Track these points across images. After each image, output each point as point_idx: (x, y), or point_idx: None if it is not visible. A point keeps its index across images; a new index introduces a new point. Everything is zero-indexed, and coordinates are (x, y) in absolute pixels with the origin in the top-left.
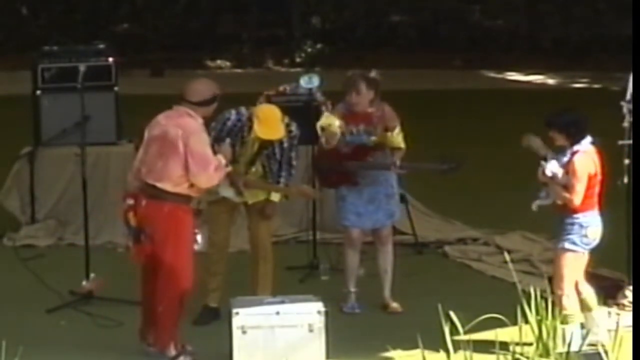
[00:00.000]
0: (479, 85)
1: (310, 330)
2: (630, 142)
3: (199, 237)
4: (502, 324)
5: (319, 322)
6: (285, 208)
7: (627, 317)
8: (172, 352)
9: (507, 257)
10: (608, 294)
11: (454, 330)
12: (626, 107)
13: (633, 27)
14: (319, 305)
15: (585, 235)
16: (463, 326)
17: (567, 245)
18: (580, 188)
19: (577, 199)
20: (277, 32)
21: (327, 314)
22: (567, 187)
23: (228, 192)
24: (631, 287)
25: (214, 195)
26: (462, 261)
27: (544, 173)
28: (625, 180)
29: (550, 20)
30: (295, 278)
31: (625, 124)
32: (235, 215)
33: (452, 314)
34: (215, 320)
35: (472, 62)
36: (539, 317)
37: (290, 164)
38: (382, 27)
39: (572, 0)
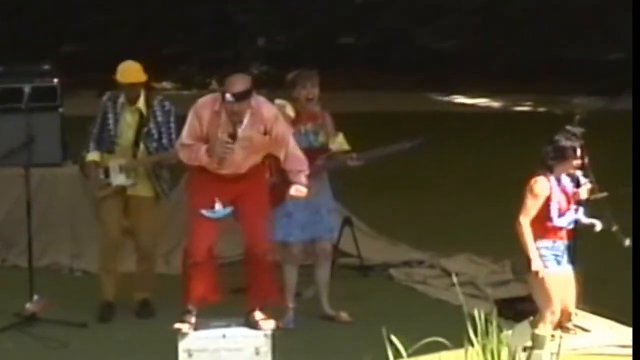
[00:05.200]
0: (426, 108)
1: (257, 353)
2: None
3: (217, 205)
4: (446, 348)
5: (265, 344)
6: (229, 228)
7: (571, 340)
8: (184, 308)
9: (454, 279)
10: None
11: (398, 354)
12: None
13: (633, 27)
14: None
15: None
16: (407, 349)
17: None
18: None
19: None
20: (225, 53)
21: (273, 336)
22: None
23: (120, 179)
24: (575, 310)
25: (105, 190)
26: (407, 284)
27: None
28: None
29: (499, 43)
30: (241, 301)
31: None
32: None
33: (396, 337)
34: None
35: (420, 84)
36: (483, 341)
37: (170, 140)
38: (331, 49)
39: (520, 22)
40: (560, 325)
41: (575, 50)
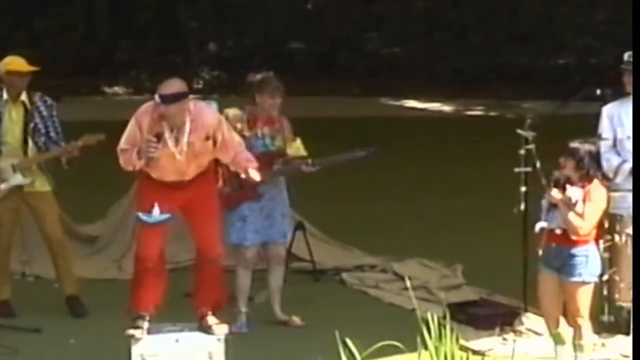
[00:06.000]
0: (376, 113)
1: (210, 358)
2: (528, 169)
3: (155, 210)
4: (399, 351)
5: (219, 349)
6: (182, 233)
7: (523, 343)
8: (134, 314)
9: (408, 283)
10: (504, 321)
11: (351, 357)
12: (524, 134)
13: (633, 28)
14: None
15: (596, 266)
16: (360, 353)
17: (587, 278)
18: (594, 217)
19: (587, 226)
20: (174, 58)
21: (226, 341)
22: (581, 214)
23: (17, 179)
24: (527, 314)
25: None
26: (359, 288)
27: (564, 197)
28: (522, 207)
29: (447, 49)
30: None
31: (522, 151)
32: (21, 214)
33: (349, 341)
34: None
35: (370, 89)
36: (437, 344)
37: (57, 133)
38: (280, 55)
39: (468, 28)
40: (513, 330)
41: (524, 56)
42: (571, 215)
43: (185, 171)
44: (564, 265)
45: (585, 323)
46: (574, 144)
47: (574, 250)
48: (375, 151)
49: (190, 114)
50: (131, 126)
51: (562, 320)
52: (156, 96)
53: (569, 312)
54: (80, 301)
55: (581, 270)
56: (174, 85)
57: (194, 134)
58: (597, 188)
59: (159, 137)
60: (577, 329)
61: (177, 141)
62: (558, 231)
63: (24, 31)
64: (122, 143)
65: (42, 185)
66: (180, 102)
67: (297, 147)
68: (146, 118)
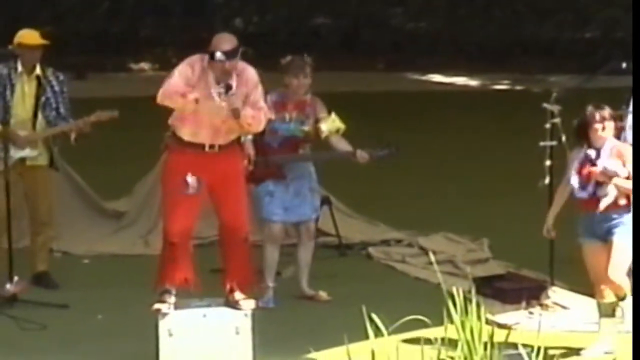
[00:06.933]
0: (402, 88)
1: (237, 333)
2: (554, 143)
3: (189, 180)
4: (426, 326)
5: (246, 324)
6: (207, 210)
7: (550, 317)
8: (161, 288)
9: (432, 257)
10: (531, 295)
11: (378, 332)
12: (549, 108)
13: (633, 28)
14: None
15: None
16: (387, 328)
17: (630, 236)
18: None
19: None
20: (199, 34)
21: (253, 316)
22: (627, 176)
23: (23, 152)
24: (554, 288)
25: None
26: (386, 263)
27: (604, 172)
28: (547, 181)
29: (471, 23)
30: (219, 281)
31: (547, 125)
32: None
33: (375, 315)
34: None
35: (395, 64)
36: (463, 318)
37: (66, 109)
38: (304, 31)
39: (492, 2)
40: (540, 304)
41: (548, 30)
42: (619, 181)
43: (220, 128)
44: (611, 228)
45: (624, 280)
46: (603, 110)
47: (622, 212)
48: (393, 151)
49: (237, 69)
50: (183, 68)
51: (608, 291)
52: (217, 53)
53: (606, 271)
54: (50, 276)
55: (627, 230)
56: (231, 40)
57: (238, 88)
58: (624, 147)
59: (229, 88)
60: (610, 287)
61: (219, 95)
62: (623, 197)
63: (49, 8)
64: (174, 82)
65: (43, 159)
66: (237, 57)
67: (332, 120)
68: (197, 65)
